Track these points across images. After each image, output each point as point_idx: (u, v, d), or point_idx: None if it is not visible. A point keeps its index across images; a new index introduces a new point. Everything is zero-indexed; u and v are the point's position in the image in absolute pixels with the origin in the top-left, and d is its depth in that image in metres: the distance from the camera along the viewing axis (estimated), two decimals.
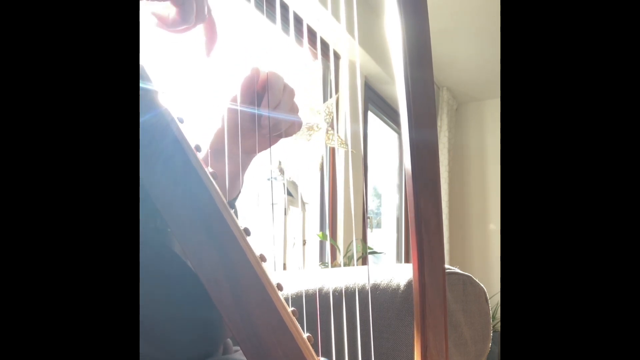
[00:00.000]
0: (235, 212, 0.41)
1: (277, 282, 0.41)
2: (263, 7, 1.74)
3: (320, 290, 0.70)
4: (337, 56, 2.42)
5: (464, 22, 2.74)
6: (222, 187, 0.42)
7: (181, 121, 0.41)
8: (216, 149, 0.56)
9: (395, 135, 3.34)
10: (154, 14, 0.46)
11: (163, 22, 0.46)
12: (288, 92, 0.55)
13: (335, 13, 1.80)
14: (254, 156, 0.61)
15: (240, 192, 0.60)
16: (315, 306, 0.67)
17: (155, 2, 0.44)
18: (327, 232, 2.29)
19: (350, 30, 2.06)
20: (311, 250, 2.09)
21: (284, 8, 1.80)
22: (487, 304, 0.68)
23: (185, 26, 0.46)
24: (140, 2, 0.43)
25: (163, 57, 0.48)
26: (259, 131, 0.57)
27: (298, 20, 1.84)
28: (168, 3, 0.44)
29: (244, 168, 0.60)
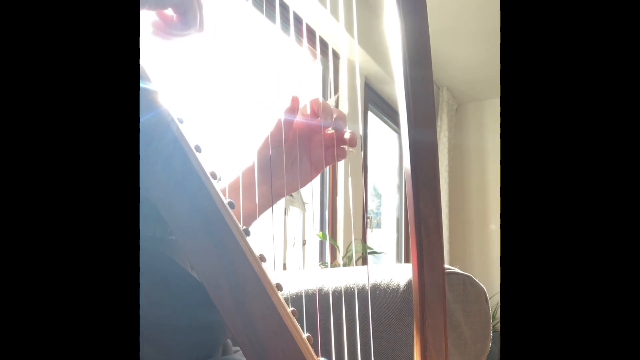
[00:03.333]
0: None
1: (276, 282, 0.41)
2: (263, 7, 1.74)
3: (320, 290, 0.70)
4: (336, 56, 2.42)
5: (464, 22, 2.75)
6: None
7: (181, 121, 0.41)
8: (243, 185, 0.57)
9: (395, 135, 3.34)
10: (158, 13, 0.46)
11: (167, 21, 0.46)
12: (341, 118, 0.56)
13: (335, 13, 1.80)
14: (280, 198, 0.62)
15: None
16: (315, 306, 0.67)
17: (158, 9, 0.44)
18: (327, 232, 2.29)
19: (349, 29, 2.06)
20: (311, 250, 2.09)
21: (284, 7, 1.80)
22: (487, 304, 0.68)
23: (187, 32, 0.46)
24: (144, 11, 0.44)
25: (163, 57, 0.48)
26: (306, 164, 0.58)
27: (298, 20, 1.84)
28: (170, 11, 0.45)
29: (267, 207, 0.60)
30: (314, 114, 0.56)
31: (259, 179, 0.58)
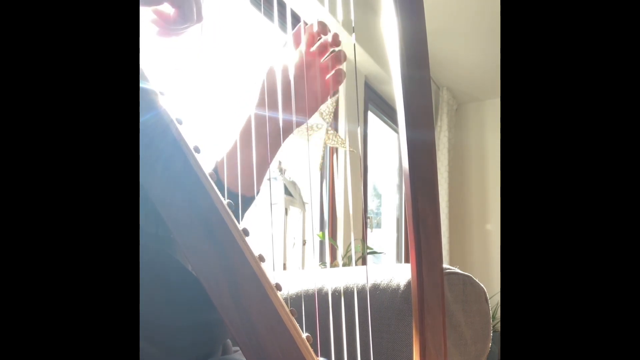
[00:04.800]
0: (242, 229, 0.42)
1: (275, 282, 0.41)
2: (260, 5, 1.74)
3: (320, 290, 0.70)
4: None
5: (464, 22, 2.74)
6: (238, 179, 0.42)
7: (180, 122, 0.41)
8: (246, 135, 0.58)
9: (395, 135, 3.34)
10: (155, 11, 0.46)
11: (164, 18, 0.46)
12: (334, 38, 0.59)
13: (333, 12, 1.80)
14: (288, 134, 0.63)
15: (258, 192, 0.61)
16: (314, 306, 0.67)
17: (153, 5, 0.44)
18: (327, 232, 2.29)
19: (348, 29, 2.06)
20: (311, 250, 2.09)
21: (281, 6, 1.80)
22: (487, 304, 0.68)
23: (186, 25, 0.46)
24: (142, 11, 0.44)
25: (161, 58, 0.48)
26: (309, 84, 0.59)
27: (295, 18, 1.84)
28: (167, 5, 0.45)
29: (276, 150, 0.61)
30: (313, 39, 0.59)
31: (263, 115, 0.59)
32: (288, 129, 0.61)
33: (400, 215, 3.30)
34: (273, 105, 0.59)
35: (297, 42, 0.60)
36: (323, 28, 0.58)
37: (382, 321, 0.64)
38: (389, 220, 3.32)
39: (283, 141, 0.61)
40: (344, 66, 0.60)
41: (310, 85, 0.60)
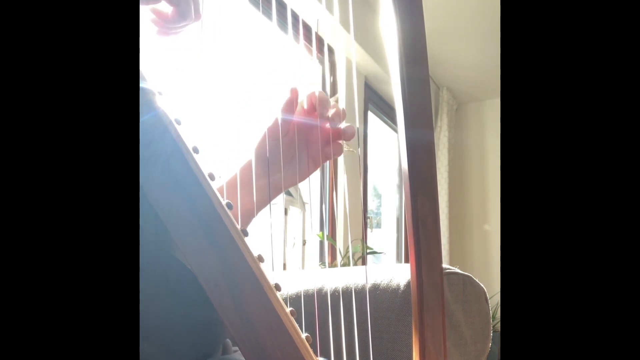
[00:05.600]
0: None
1: (275, 283, 0.41)
2: (259, 4, 1.74)
3: (320, 290, 0.70)
4: (333, 53, 2.42)
5: (464, 22, 2.74)
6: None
7: (178, 122, 0.41)
8: (241, 182, 0.56)
9: (395, 135, 3.34)
10: (152, 10, 0.46)
11: (162, 17, 0.46)
12: (337, 111, 0.54)
13: (333, 12, 1.80)
14: (279, 193, 0.61)
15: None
16: (314, 306, 0.67)
17: (151, 3, 0.44)
18: (327, 232, 2.29)
19: (347, 28, 2.06)
20: (311, 251, 2.09)
21: (281, 5, 1.80)
22: (487, 304, 0.68)
23: (184, 23, 0.47)
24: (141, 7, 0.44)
25: (160, 57, 0.48)
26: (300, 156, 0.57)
27: (294, 17, 1.84)
28: (164, 3, 0.45)
29: (265, 204, 0.59)
30: (312, 107, 0.56)
31: (256, 174, 0.57)
32: (278, 189, 0.59)
33: (400, 215, 3.31)
34: (264, 166, 0.57)
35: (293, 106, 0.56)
36: (322, 107, 0.54)
37: (382, 321, 0.64)
38: (389, 220, 3.32)
39: (271, 200, 0.59)
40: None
41: (303, 151, 0.57)
